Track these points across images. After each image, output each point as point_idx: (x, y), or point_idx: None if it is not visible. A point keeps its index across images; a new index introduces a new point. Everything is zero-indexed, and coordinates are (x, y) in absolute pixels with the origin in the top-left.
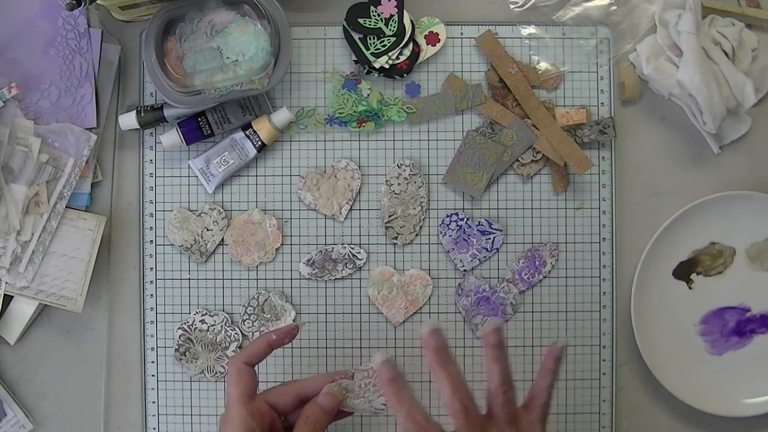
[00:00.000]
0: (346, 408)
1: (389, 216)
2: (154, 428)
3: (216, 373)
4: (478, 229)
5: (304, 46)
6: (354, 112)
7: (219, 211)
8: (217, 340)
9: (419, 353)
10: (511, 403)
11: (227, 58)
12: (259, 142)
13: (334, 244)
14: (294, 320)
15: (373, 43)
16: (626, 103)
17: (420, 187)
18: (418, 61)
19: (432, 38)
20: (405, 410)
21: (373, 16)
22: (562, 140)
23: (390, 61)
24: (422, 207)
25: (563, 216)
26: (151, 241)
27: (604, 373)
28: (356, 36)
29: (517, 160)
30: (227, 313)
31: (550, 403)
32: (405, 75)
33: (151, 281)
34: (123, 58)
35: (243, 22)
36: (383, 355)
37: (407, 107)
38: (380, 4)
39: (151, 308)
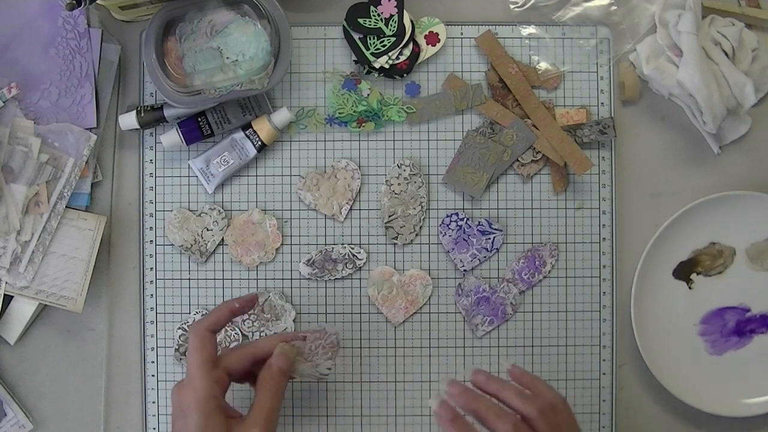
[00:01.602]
0: (293, 374)
1: (389, 216)
2: (154, 428)
3: None
4: (478, 229)
5: (304, 46)
6: (354, 112)
7: (219, 211)
8: (217, 341)
9: (418, 353)
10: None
11: (227, 58)
12: (259, 142)
13: (334, 244)
14: (294, 320)
15: (373, 43)
16: (626, 103)
17: (420, 187)
18: (418, 61)
19: (432, 38)
20: None
21: (373, 16)
22: (562, 140)
23: (390, 61)
24: (422, 207)
25: (563, 216)
26: (151, 241)
27: (604, 373)
28: (356, 36)
29: (517, 160)
30: None
31: (562, 397)
32: (405, 75)
33: (151, 281)
34: (123, 58)
35: (243, 22)
36: None
37: (407, 107)
38: (380, 4)
39: (151, 308)
